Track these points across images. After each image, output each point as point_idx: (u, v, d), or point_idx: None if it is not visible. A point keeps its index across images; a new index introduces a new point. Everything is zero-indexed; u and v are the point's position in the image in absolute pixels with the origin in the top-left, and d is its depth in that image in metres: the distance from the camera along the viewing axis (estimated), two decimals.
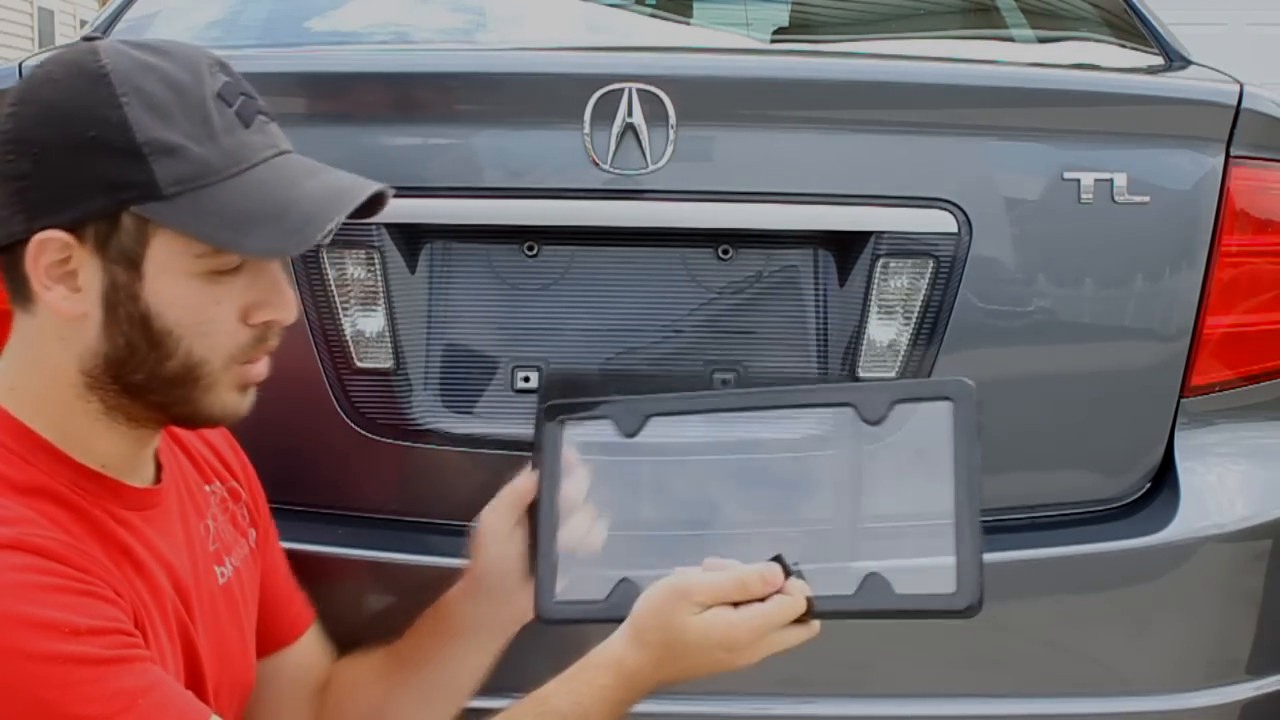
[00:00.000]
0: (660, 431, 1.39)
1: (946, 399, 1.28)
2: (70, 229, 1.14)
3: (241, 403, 1.23)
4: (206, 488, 1.38)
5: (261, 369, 1.23)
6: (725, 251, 1.61)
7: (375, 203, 1.24)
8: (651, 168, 1.54)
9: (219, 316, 1.18)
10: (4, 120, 1.16)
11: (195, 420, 1.24)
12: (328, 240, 1.19)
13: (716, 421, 1.40)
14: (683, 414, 1.40)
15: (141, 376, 1.18)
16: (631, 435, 1.38)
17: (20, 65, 1.61)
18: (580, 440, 1.39)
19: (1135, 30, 2.11)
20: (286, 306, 1.21)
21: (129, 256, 1.15)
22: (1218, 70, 1.81)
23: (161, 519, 1.26)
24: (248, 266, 1.19)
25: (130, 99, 1.13)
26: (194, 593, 1.27)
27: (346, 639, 1.50)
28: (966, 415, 1.28)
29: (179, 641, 1.23)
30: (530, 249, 1.61)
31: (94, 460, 1.20)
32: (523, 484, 1.40)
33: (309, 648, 1.47)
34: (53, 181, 1.14)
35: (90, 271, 1.15)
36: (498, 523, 1.40)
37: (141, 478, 1.25)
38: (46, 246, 1.14)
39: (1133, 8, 2.16)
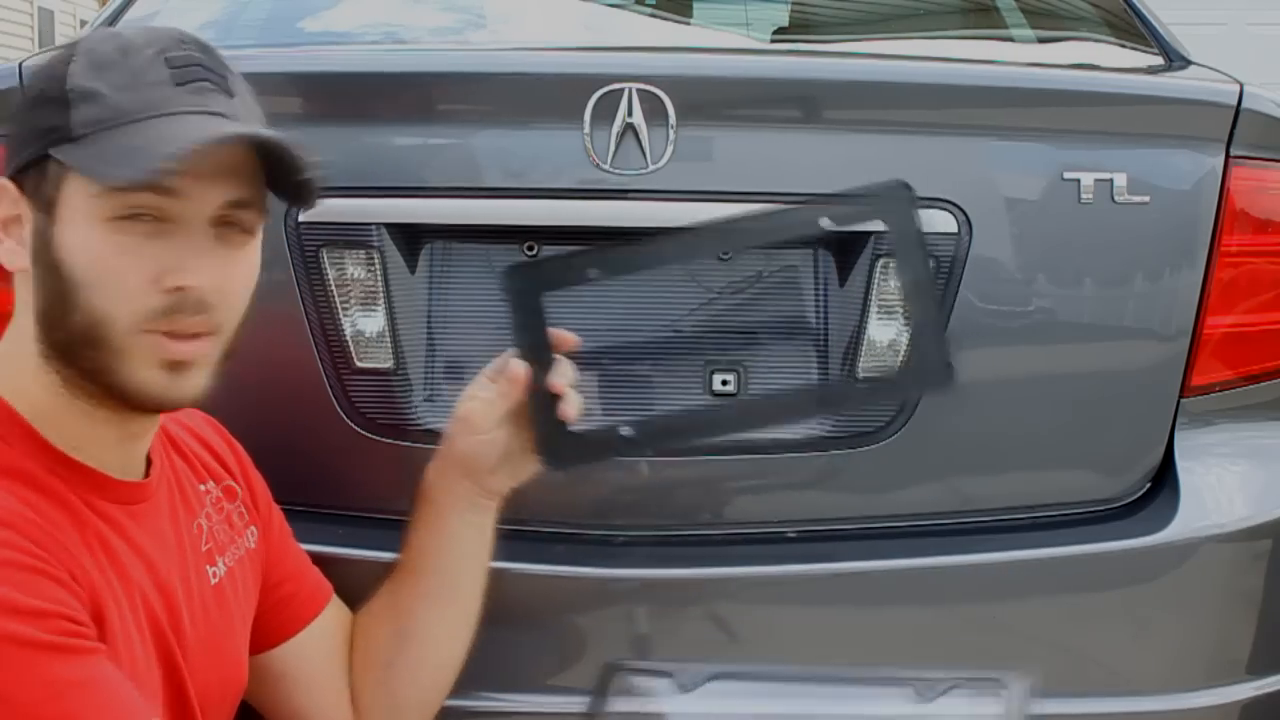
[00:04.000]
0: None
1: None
2: (15, 180, 1.19)
3: (171, 384, 1.19)
4: (201, 487, 1.37)
5: (186, 349, 1.18)
6: (725, 251, 1.61)
7: (301, 189, 1.22)
8: (651, 168, 1.54)
9: (122, 269, 1.15)
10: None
11: (124, 395, 1.19)
12: (176, 168, 1.13)
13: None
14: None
15: (60, 334, 1.17)
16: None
17: (20, 65, 1.61)
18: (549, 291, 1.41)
19: (1135, 30, 2.11)
20: (201, 272, 1.17)
21: (47, 200, 1.17)
22: (1218, 70, 1.81)
23: (149, 516, 1.26)
24: (169, 227, 1.17)
25: (80, 57, 1.18)
26: (180, 592, 1.27)
27: (360, 608, 1.50)
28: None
29: (151, 639, 1.22)
30: (530, 249, 1.60)
31: (68, 444, 1.19)
32: (499, 361, 1.42)
33: (333, 621, 1.48)
34: (13, 137, 1.21)
35: (29, 222, 1.18)
36: (479, 397, 1.41)
37: (128, 473, 1.25)
38: (2, 197, 1.19)
39: (1133, 8, 2.16)
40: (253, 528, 1.42)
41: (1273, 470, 1.70)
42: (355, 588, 1.52)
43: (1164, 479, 1.64)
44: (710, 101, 1.57)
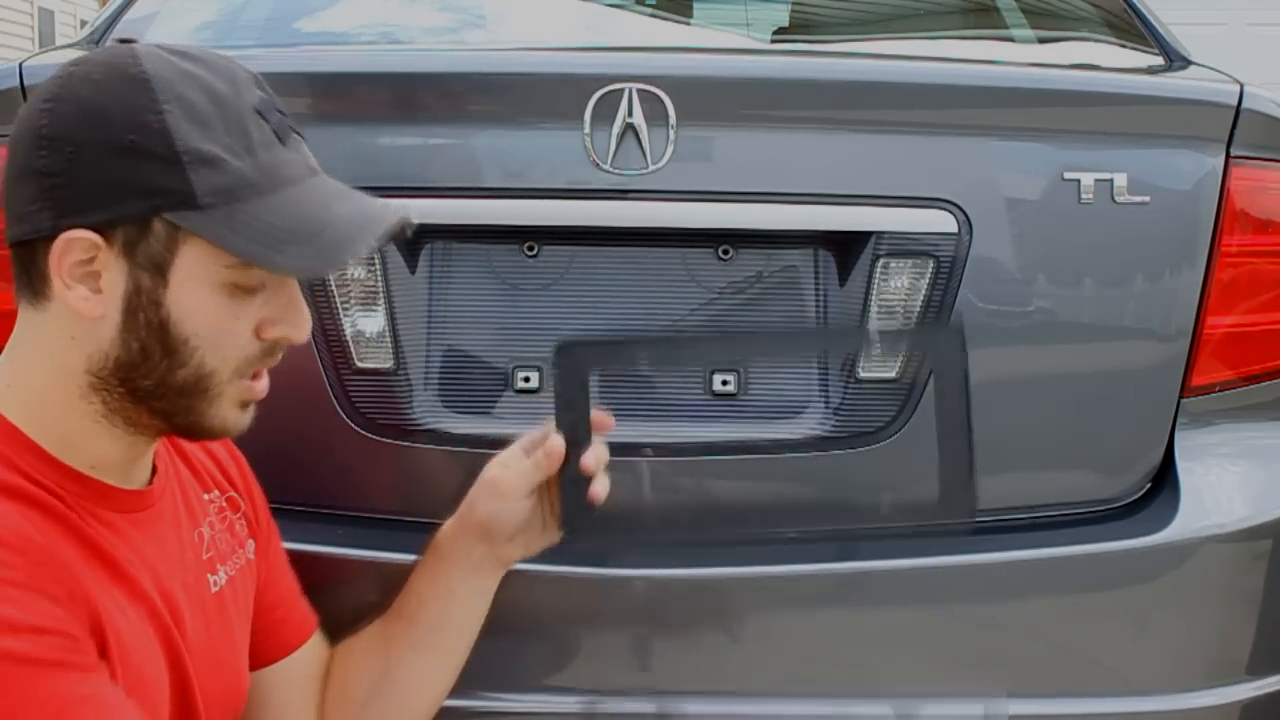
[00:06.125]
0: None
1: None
2: (99, 230, 1.13)
3: (242, 419, 1.23)
4: (205, 496, 1.37)
5: (263, 386, 1.24)
6: (725, 251, 1.61)
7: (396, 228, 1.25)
8: (652, 168, 1.54)
9: (236, 330, 1.19)
10: (37, 115, 1.15)
11: (194, 432, 1.24)
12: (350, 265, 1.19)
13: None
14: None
15: (150, 382, 1.18)
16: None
17: (20, 65, 1.61)
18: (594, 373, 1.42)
19: (1135, 30, 2.11)
20: (302, 324, 1.22)
21: (157, 262, 1.14)
22: (1218, 70, 1.81)
23: (151, 523, 1.26)
24: (269, 282, 1.19)
25: (171, 106, 1.13)
26: (182, 598, 1.26)
27: (345, 639, 1.50)
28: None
29: (160, 646, 1.22)
30: (530, 249, 1.61)
31: (83, 462, 1.19)
32: (538, 434, 1.41)
33: (314, 651, 1.47)
34: (86, 182, 1.13)
35: (114, 273, 1.15)
36: (512, 467, 1.40)
37: (133, 481, 1.25)
38: (73, 246, 1.13)
39: (1133, 8, 2.16)
40: (252, 541, 1.42)
41: (1273, 470, 1.70)
42: (354, 588, 1.52)
43: (1164, 479, 1.64)
44: (710, 101, 1.57)
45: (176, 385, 1.18)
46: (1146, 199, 1.59)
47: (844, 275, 1.59)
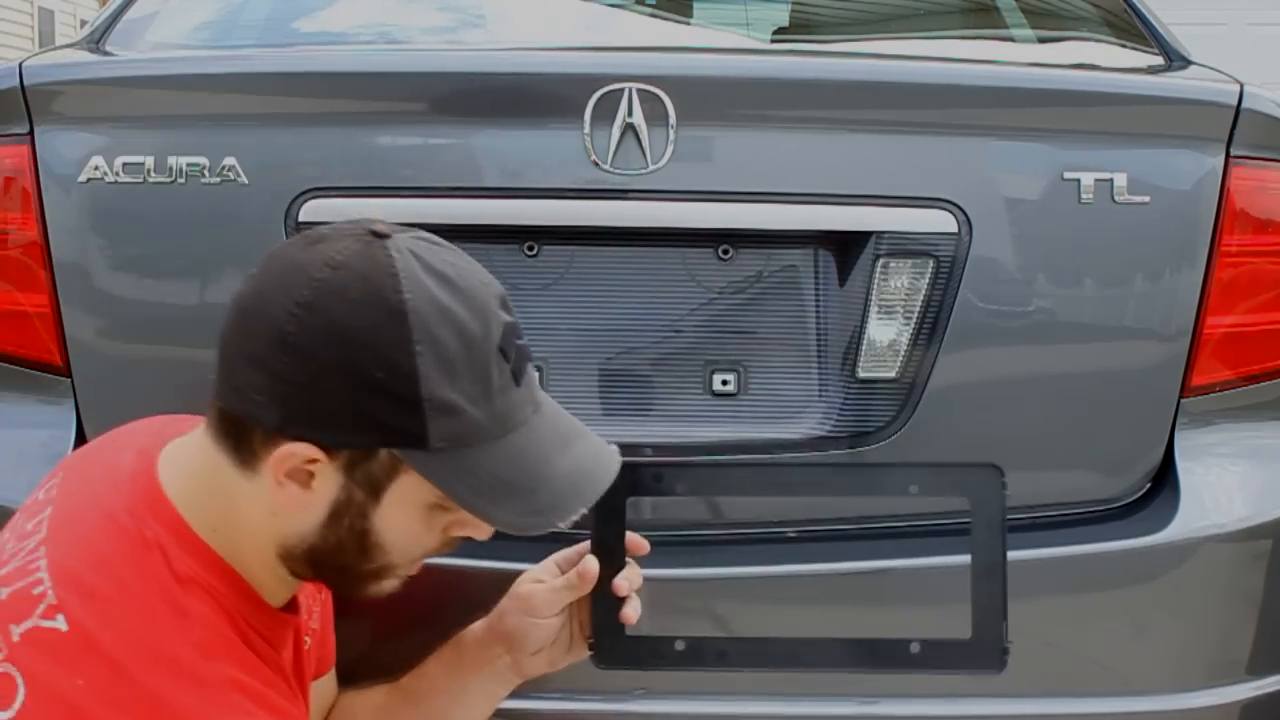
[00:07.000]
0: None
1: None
2: (323, 446, 1.14)
3: (394, 589, 1.28)
4: None
5: (421, 565, 1.28)
6: (725, 251, 1.61)
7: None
8: (651, 168, 1.54)
9: (428, 538, 1.23)
10: (288, 319, 1.13)
11: (350, 595, 1.29)
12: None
13: None
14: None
15: (332, 567, 1.22)
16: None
17: (20, 65, 1.61)
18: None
19: (1135, 30, 2.11)
20: (487, 529, 1.24)
21: (374, 485, 1.17)
22: (1218, 70, 1.81)
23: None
24: None
25: (424, 349, 1.12)
26: (292, 671, 1.31)
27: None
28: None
29: None
30: (530, 249, 1.61)
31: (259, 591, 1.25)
32: (572, 553, 1.42)
33: (324, 689, 1.49)
34: (323, 402, 1.13)
35: (328, 482, 1.17)
36: (545, 582, 1.41)
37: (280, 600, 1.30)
38: (296, 455, 1.15)
39: (1133, 8, 2.16)
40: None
41: (1273, 470, 1.70)
42: None
43: (1164, 479, 1.64)
44: (710, 101, 1.57)
45: (358, 572, 1.23)
46: (1146, 199, 1.59)
47: (844, 275, 1.59)
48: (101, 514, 1.19)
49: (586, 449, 1.26)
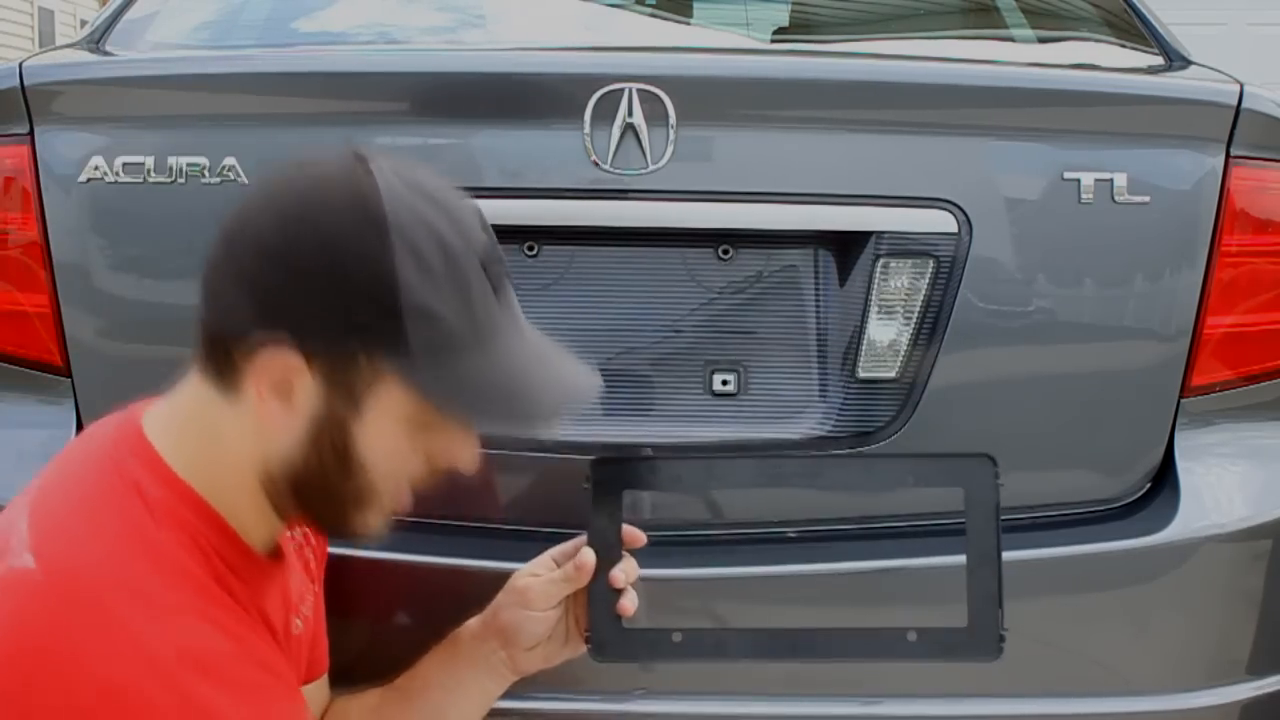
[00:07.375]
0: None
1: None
2: (303, 353, 1.15)
3: (382, 529, 1.26)
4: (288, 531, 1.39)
5: (408, 497, 1.26)
6: (725, 251, 1.61)
7: None
8: (651, 168, 1.54)
9: (412, 460, 1.22)
10: (272, 232, 1.15)
11: (336, 532, 1.29)
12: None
13: None
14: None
15: (314, 491, 1.21)
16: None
17: (20, 65, 1.61)
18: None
19: (1135, 30, 2.11)
20: (471, 459, 1.25)
21: (354, 394, 1.16)
22: (1218, 70, 1.81)
23: (275, 577, 1.30)
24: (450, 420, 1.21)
25: (404, 257, 1.13)
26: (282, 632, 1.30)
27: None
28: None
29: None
30: (530, 249, 1.61)
31: (243, 536, 1.24)
32: (569, 546, 1.42)
33: (316, 693, 1.48)
34: (303, 305, 1.14)
35: (309, 395, 1.16)
36: (542, 576, 1.41)
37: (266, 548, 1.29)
38: (276, 365, 1.15)
39: (1133, 8, 2.16)
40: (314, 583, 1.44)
41: (1273, 470, 1.70)
42: (353, 588, 1.52)
43: (1164, 479, 1.64)
44: (710, 101, 1.57)
45: (340, 495, 1.21)
46: (1146, 199, 1.59)
47: (844, 275, 1.59)
48: (82, 458, 1.22)
49: (569, 366, 1.27)
